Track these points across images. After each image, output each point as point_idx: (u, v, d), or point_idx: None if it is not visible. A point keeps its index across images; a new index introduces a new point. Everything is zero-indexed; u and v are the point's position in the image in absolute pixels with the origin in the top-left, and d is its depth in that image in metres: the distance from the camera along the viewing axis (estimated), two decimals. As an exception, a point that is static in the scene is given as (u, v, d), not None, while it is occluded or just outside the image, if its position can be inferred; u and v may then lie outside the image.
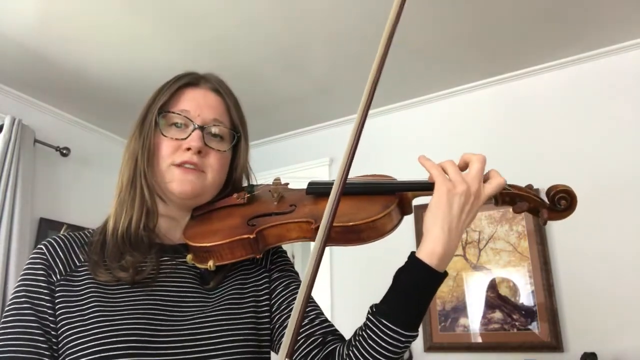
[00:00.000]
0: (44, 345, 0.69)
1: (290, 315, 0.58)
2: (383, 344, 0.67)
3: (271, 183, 0.88)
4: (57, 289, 0.73)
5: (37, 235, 2.52)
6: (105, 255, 0.76)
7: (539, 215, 0.78)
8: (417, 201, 0.79)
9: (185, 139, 0.81)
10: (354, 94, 2.58)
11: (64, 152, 2.67)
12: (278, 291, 0.83)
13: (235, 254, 0.76)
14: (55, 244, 0.77)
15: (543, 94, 2.40)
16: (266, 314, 0.81)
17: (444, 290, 2.34)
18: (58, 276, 0.74)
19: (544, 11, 1.99)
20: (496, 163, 0.85)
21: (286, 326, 0.79)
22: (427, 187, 0.74)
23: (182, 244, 0.82)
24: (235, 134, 0.88)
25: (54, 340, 0.70)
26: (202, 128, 0.82)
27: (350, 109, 2.82)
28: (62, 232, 0.81)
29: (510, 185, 0.77)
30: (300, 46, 2.22)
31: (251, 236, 0.74)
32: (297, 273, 0.89)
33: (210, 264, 0.76)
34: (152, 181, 0.82)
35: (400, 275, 0.69)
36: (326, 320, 0.82)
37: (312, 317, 0.80)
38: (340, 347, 0.74)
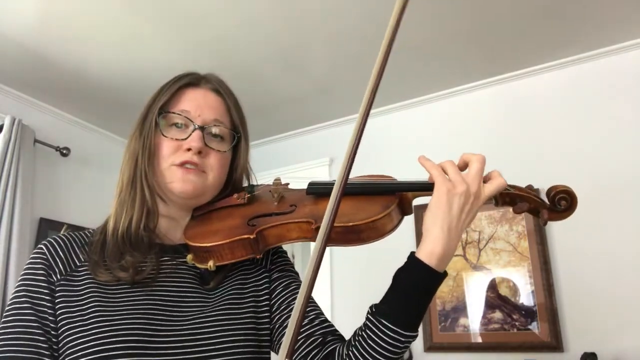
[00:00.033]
0: (44, 345, 0.69)
1: (290, 315, 0.58)
2: (383, 344, 0.67)
3: (271, 183, 0.88)
4: (58, 288, 0.73)
5: (37, 235, 2.52)
6: (106, 255, 0.76)
7: (539, 216, 0.78)
8: (417, 201, 0.79)
9: (186, 139, 0.81)
10: (354, 94, 2.58)
11: (64, 152, 2.67)
12: (278, 291, 0.83)
13: (235, 254, 0.76)
14: (55, 244, 0.77)
15: (543, 94, 2.40)
16: (266, 314, 0.81)
17: (444, 290, 2.34)
18: (58, 276, 0.74)
19: (543, 8, 1.99)
20: (496, 163, 0.85)
21: (286, 326, 0.79)
22: (427, 187, 0.75)
23: (182, 244, 0.82)
24: (236, 135, 0.88)
25: (54, 340, 0.70)
26: (202, 128, 0.82)
27: (350, 109, 2.82)
28: (62, 232, 0.81)
29: (510, 186, 0.77)
30: (300, 46, 2.22)
31: (251, 236, 0.74)
32: (297, 273, 0.89)
33: (211, 264, 0.76)
34: (153, 181, 0.82)
35: (400, 276, 0.69)
36: (326, 320, 0.82)
37: (312, 317, 0.80)
38: (340, 347, 0.74)
